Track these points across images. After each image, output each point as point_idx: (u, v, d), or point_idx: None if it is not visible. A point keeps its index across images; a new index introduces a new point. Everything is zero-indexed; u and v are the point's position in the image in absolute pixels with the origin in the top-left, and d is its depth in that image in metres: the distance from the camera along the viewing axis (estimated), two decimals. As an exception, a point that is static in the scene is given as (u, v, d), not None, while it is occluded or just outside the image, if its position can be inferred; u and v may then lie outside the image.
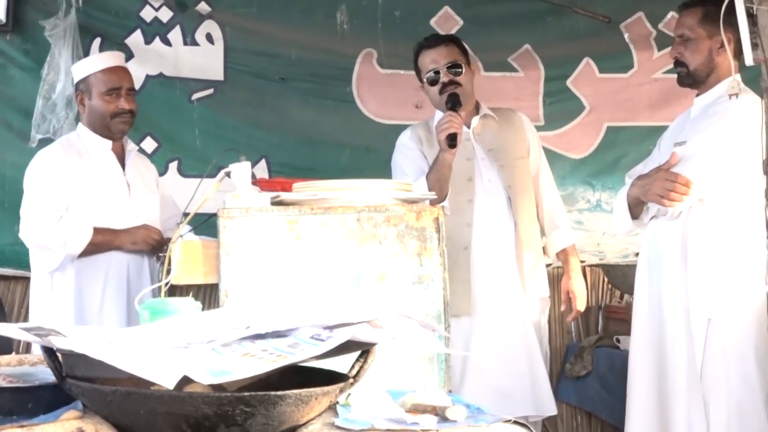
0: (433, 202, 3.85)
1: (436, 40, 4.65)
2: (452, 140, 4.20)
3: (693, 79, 4.13)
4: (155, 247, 4.36)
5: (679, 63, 4.14)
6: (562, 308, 4.88)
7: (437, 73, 4.54)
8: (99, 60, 4.48)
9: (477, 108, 4.70)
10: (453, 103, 4.37)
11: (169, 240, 4.08)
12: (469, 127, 4.59)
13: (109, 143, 4.41)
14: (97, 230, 4.26)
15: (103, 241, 4.27)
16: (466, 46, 4.73)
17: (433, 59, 4.56)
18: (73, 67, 4.53)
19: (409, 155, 4.61)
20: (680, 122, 4.30)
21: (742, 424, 3.90)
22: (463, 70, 4.55)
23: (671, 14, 5.78)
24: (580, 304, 4.72)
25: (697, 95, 4.18)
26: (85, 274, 4.30)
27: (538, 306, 4.66)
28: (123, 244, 4.28)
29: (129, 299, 4.23)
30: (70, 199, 4.26)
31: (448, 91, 4.47)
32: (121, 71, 4.45)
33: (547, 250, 4.82)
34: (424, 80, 4.61)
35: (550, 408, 4.56)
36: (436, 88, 4.55)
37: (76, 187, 4.27)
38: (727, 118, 3.94)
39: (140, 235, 4.31)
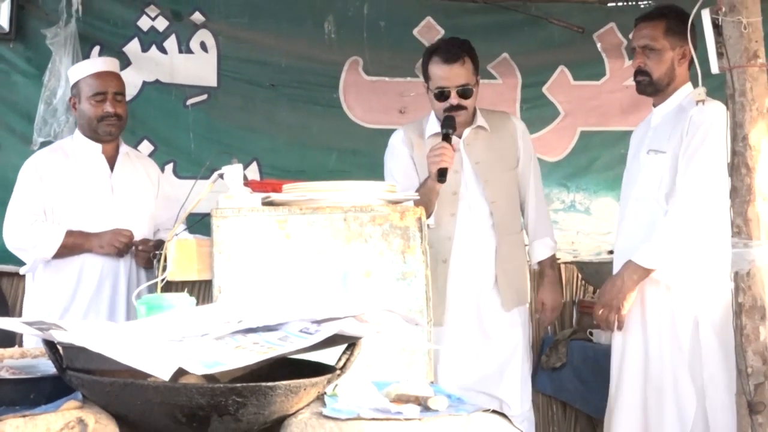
0: None
1: (451, 56, 4.34)
2: (442, 175, 4.07)
3: (654, 88, 4.16)
4: (122, 250, 4.24)
5: (641, 72, 4.15)
6: (537, 316, 4.83)
7: (446, 92, 4.33)
8: (89, 65, 4.44)
9: (473, 118, 4.49)
10: (447, 130, 4.20)
11: (139, 242, 4.07)
12: (460, 137, 4.42)
13: (98, 146, 4.35)
14: (69, 234, 4.21)
15: (74, 245, 4.22)
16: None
17: (445, 77, 4.33)
18: (69, 72, 4.50)
19: (399, 161, 4.47)
20: (642, 131, 4.33)
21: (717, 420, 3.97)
22: (473, 92, 4.37)
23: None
24: (552, 315, 4.68)
25: (655, 104, 4.24)
26: (59, 274, 4.25)
27: (518, 317, 4.52)
28: (92, 247, 4.21)
29: (108, 298, 4.19)
30: (51, 202, 4.22)
31: (452, 113, 4.29)
32: (108, 76, 4.38)
33: (530, 257, 4.73)
34: (431, 90, 4.41)
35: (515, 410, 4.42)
36: (440, 105, 4.35)
37: (58, 190, 4.23)
38: (703, 126, 3.96)
39: (106, 239, 4.21)
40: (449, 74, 4.30)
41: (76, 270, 4.21)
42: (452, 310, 4.36)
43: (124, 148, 4.44)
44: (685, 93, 4.16)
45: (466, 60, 4.34)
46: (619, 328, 4.06)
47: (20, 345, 3.56)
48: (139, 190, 4.40)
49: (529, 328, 4.70)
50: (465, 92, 4.31)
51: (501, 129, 4.54)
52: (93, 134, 4.32)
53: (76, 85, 4.35)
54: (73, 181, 4.25)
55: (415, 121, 4.68)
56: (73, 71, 4.42)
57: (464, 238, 4.38)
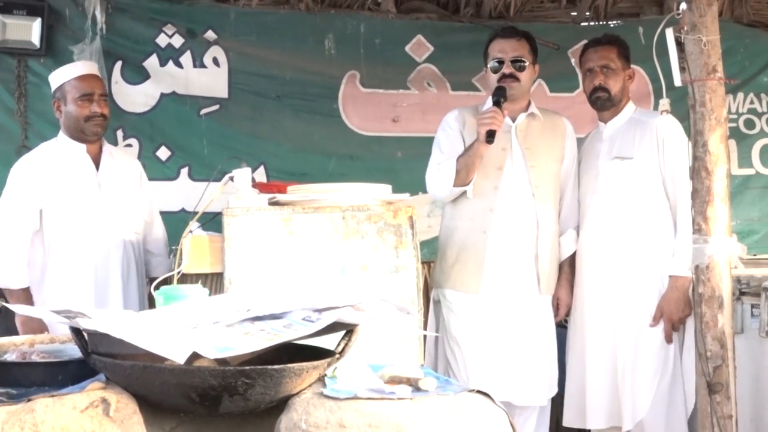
0: (456, 185, 3.98)
1: (510, 32, 4.22)
2: (490, 136, 3.85)
3: (611, 103, 4.24)
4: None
5: (601, 89, 4.21)
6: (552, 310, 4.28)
7: (501, 63, 4.10)
8: (73, 68, 4.29)
9: (528, 105, 4.22)
10: (498, 97, 3.98)
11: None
12: (514, 122, 4.15)
13: (83, 147, 4.22)
14: (18, 295, 4.11)
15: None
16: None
17: (501, 49, 4.14)
18: (50, 77, 4.35)
19: (450, 134, 4.19)
20: (594, 141, 4.38)
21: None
22: (527, 66, 4.12)
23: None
24: (562, 313, 4.26)
25: (605, 119, 4.31)
26: (50, 270, 4.14)
27: (548, 304, 4.21)
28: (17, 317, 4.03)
29: (97, 297, 4.12)
30: (41, 203, 4.10)
31: (505, 83, 4.06)
32: (93, 78, 4.26)
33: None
34: (488, 66, 4.19)
35: (533, 399, 4.11)
36: (495, 77, 4.11)
37: (47, 190, 4.12)
38: (678, 141, 4.07)
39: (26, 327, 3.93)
40: (505, 46, 4.13)
41: (70, 268, 4.12)
42: (488, 280, 4.04)
43: (107, 148, 4.33)
44: (632, 108, 4.31)
45: (523, 39, 4.18)
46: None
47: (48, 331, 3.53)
48: (123, 186, 4.30)
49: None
50: (519, 65, 4.10)
51: (552, 123, 4.29)
52: (79, 135, 4.19)
53: (60, 89, 4.22)
54: (61, 181, 4.15)
55: (472, 105, 4.45)
56: (56, 75, 4.28)
57: (505, 212, 4.07)
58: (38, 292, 4.13)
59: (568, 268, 4.28)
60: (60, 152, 4.20)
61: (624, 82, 4.26)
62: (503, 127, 3.95)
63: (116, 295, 4.13)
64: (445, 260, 4.15)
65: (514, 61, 4.08)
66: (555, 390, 4.22)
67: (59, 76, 4.24)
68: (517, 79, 4.08)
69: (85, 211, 4.12)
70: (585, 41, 5.64)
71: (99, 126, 4.19)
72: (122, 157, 4.44)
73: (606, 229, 4.14)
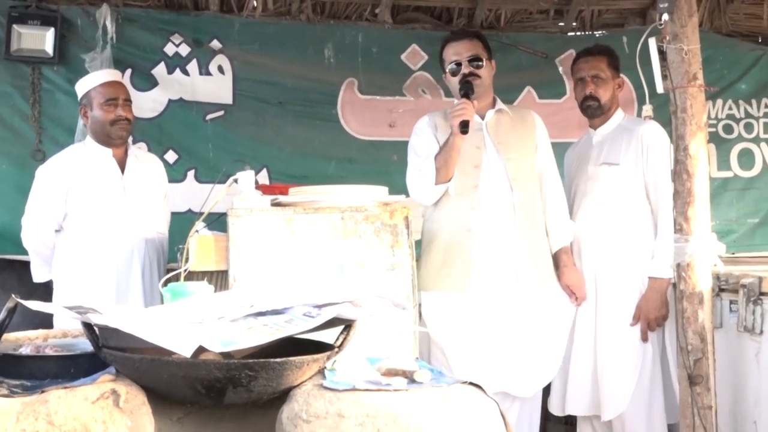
0: (438, 182, 3.84)
1: (461, 34, 4.14)
2: (464, 126, 3.72)
3: (601, 111, 4.24)
4: None
5: (592, 98, 4.21)
6: (572, 300, 4.11)
7: (459, 65, 3.98)
8: (98, 76, 4.30)
9: (494, 103, 4.11)
10: (466, 90, 3.89)
11: None
12: (483, 119, 4.02)
13: (109, 151, 4.21)
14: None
15: None
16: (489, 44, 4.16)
17: (457, 51, 4.01)
18: (77, 85, 4.34)
19: (423, 138, 4.06)
20: (584, 148, 4.39)
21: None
22: (484, 64, 3.99)
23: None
24: (580, 293, 4.09)
25: (595, 126, 4.32)
26: (81, 269, 4.14)
27: (548, 294, 4.03)
28: None
29: (118, 294, 4.12)
30: (67, 204, 4.12)
31: (471, 84, 3.92)
32: (117, 84, 4.27)
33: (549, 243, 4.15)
34: (447, 71, 4.06)
35: (525, 390, 3.99)
36: (456, 79, 3.99)
37: (73, 192, 4.13)
38: (662, 148, 4.07)
39: None
40: (459, 48, 4.01)
41: (94, 267, 4.13)
42: (476, 277, 3.89)
43: (132, 150, 4.34)
44: (621, 115, 4.31)
45: (475, 39, 4.07)
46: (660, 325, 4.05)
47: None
48: (148, 188, 4.30)
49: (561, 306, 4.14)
50: (476, 63, 3.98)
51: (521, 118, 4.16)
52: (105, 138, 4.19)
53: (86, 95, 4.21)
54: (87, 183, 4.15)
55: (440, 110, 4.29)
56: (83, 83, 4.28)
57: (486, 209, 3.93)
58: (62, 289, 4.14)
59: (565, 255, 4.13)
60: (87, 155, 4.21)
61: (613, 91, 4.25)
62: (474, 125, 3.84)
63: (137, 293, 4.13)
64: (431, 263, 3.99)
65: (471, 61, 3.98)
66: (550, 377, 4.13)
67: (85, 84, 4.24)
68: (478, 76, 3.96)
69: (109, 213, 4.13)
70: (572, 50, 5.69)
71: (124, 129, 4.19)
72: (147, 160, 4.43)
73: (594, 231, 4.15)
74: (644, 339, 4.03)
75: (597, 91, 4.20)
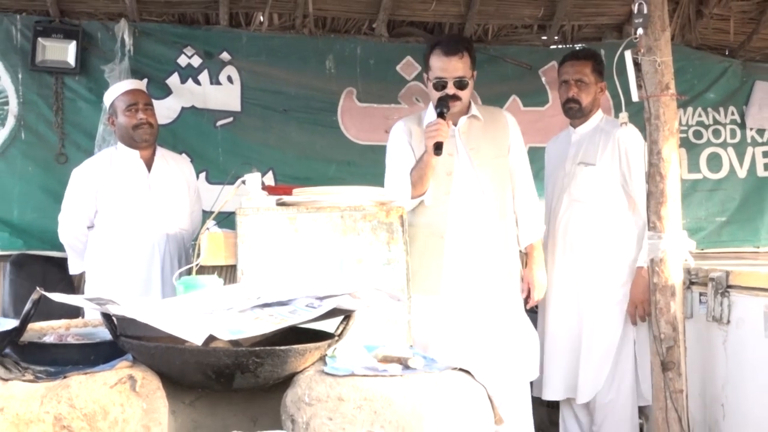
0: (414, 196, 3.73)
1: (452, 49, 3.78)
2: (438, 148, 3.57)
3: (582, 113, 4.21)
4: None
5: (573, 100, 4.19)
6: (523, 296, 3.95)
7: (444, 83, 3.74)
8: (120, 86, 4.30)
9: (468, 108, 3.88)
10: (441, 109, 3.67)
11: None
12: (456, 125, 3.82)
13: (137, 153, 4.20)
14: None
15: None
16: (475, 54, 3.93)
17: (444, 68, 3.75)
18: (104, 97, 4.35)
19: (398, 147, 3.88)
20: (562, 146, 4.36)
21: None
22: (468, 84, 3.78)
23: (577, 63, 5.82)
24: (538, 294, 3.94)
25: (575, 126, 4.29)
26: (110, 264, 4.13)
27: (511, 290, 3.88)
28: None
29: (146, 281, 4.11)
30: (98, 202, 4.13)
31: (447, 102, 3.71)
32: (137, 91, 4.25)
33: (518, 241, 3.98)
34: (430, 81, 3.82)
35: (508, 385, 3.77)
36: (437, 94, 3.76)
37: (104, 191, 4.14)
38: (638, 150, 4.02)
39: None
40: (448, 66, 3.74)
41: (120, 259, 4.13)
42: (447, 280, 3.77)
43: (160, 152, 4.32)
44: (600, 117, 4.27)
45: (465, 55, 3.78)
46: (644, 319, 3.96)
47: (83, 316, 3.53)
48: (174, 186, 4.28)
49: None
50: (461, 84, 3.75)
51: (493, 120, 3.95)
52: (131, 142, 4.18)
53: (112, 105, 4.21)
54: (116, 182, 4.15)
55: (415, 113, 4.14)
56: (108, 94, 4.28)
57: (459, 215, 3.78)
58: (93, 281, 4.14)
59: (535, 252, 3.96)
60: (116, 158, 4.22)
61: (595, 95, 4.22)
62: (448, 134, 3.66)
63: (156, 285, 4.12)
64: (412, 265, 3.76)
65: (456, 82, 3.75)
66: (533, 373, 3.94)
67: (110, 95, 4.26)
68: (459, 99, 3.76)
69: (135, 210, 4.13)
70: (554, 62, 5.70)
71: (146, 133, 4.17)
72: (175, 161, 4.42)
73: (571, 226, 4.15)
74: (633, 322, 4.00)
75: (579, 95, 4.17)
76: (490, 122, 3.92)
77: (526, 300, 3.95)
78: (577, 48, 5.55)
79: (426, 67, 3.88)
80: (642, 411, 4.11)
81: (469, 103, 3.90)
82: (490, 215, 3.82)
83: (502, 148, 3.92)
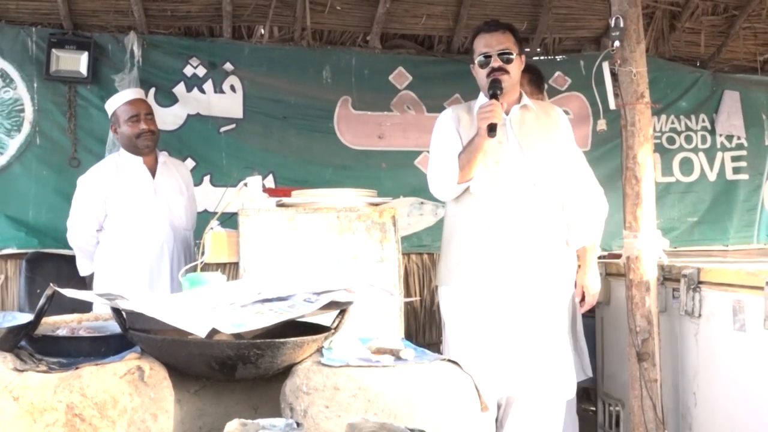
0: (461, 181, 3.38)
1: (494, 26, 3.48)
2: (492, 130, 3.24)
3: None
4: None
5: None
6: (577, 300, 3.56)
7: (488, 57, 3.40)
8: (122, 96, 4.25)
9: (519, 98, 3.53)
10: (495, 90, 3.35)
11: None
12: (507, 115, 3.46)
13: (140, 159, 4.18)
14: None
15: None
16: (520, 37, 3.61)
17: (487, 43, 3.43)
18: (106, 106, 4.31)
19: (446, 133, 3.52)
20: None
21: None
22: (514, 58, 3.42)
23: (557, 73, 5.83)
24: (592, 298, 3.53)
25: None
26: (119, 261, 4.12)
27: (558, 291, 3.47)
28: None
29: (153, 277, 4.10)
30: (106, 206, 4.11)
31: (495, 77, 3.39)
32: (138, 101, 4.21)
33: (569, 243, 3.54)
34: (475, 62, 3.46)
35: (545, 393, 3.40)
36: (484, 72, 3.42)
37: (111, 195, 4.12)
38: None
39: None
40: (490, 41, 3.43)
41: (130, 259, 4.12)
42: (490, 273, 3.39)
43: (162, 158, 4.30)
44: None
45: (507, 31, 3.47)
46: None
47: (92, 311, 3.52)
48: (176, 190, 4.28)
49: (570, 310, 3.59)
50: (507, 58, 3.41)
51: (545, 112, 3.58)
52: (134, 149, 4.17)
53: (114, 114, 4.19)
54: (123, 188, 4.14)
55: (464, 103, 3.72)
56: (110, 103, 4.24)
57: (506, 205, 3.40)
58: (103, 280, 4.12)
59: (587, 254, 3.54)
60: (121, 164, 4.20)
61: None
62: (502, 113, 3.34)
63: (165, 282, 4.11)
64: (450, 257, 3.51)
65: (501, 54, 3.41)
66: (572, 385, 3.48)
67: (111, 104, 4.22)
68: (507, 72, 3.41)
69: (143, 213, 4.12)
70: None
71: (149, 140, 4.16)
72: (175, 165, 4.41)
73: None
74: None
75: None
76: (542, 114, 3.56)
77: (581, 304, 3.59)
78: (557, 58, 5.57)
79: (472, 57, 3.53)
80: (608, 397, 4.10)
81: (521, 93, 3.57)
82: (540, 208, 3.43)
83: (555, 141, 3.53)
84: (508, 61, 3.42)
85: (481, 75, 3.47)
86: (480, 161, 3.36)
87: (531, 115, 3.52)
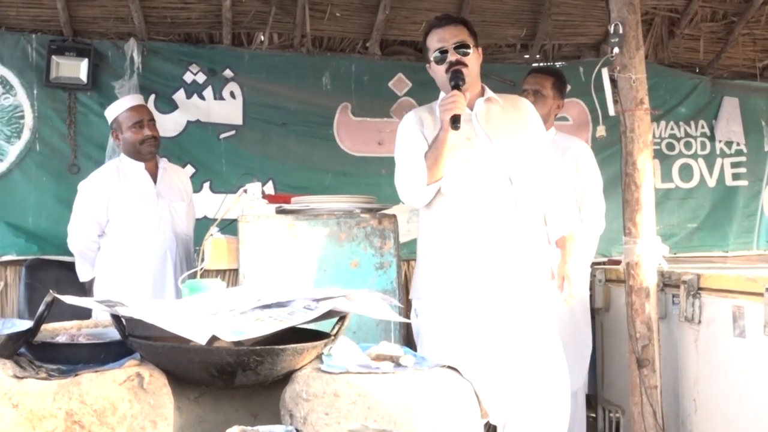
0: (430, 182, 3.13)
1: (445, 20, 3.29)
2: (455, 121, 3.03)
3: None
4: None
5: None
6: (559, 292, 3.22)
7: (444, 52, 3.20)
8: (123, 102, 4.27)
9: (483, 91, 3.31)
10: (457, 81, 3.14)
11: None
12: (472, 110, 3.24)
13: (141, 164, 4.20)
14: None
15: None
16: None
17: (441, 38, 3.22)
18: (106, 112, 4.32)
19: (410, 136, 3.28)
20: None
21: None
22: (471, 51, 3.21)
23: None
24: (574, 289, 3.21)
25: None
26: (121, 268, 4.11)
27: (544, 288, 3.23)
28: None
29: (157, 283, 4.10)
30: (109, 211, 4.12)
31: (461, 74, 3.16)
32: (141, 108, 4.24)
33: (548, 236, 3.32)
34: (431, 60, 3.26)
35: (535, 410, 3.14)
36: (442, 68, 3.21)
37: (113, 201, 4.12)
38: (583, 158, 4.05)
39: None
40: (444, 35, 3.23)
41: (134, 264, 4.12)
42: (468, 281, 3.12)
43: (162, 163, 4.31)
44: (553, 132, 4.11)
45: (460, 24, 3.29)
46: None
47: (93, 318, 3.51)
48: (178, 196, 4.29)
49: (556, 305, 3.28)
50: (463, 49, 3.20)
51: (513, 105, 3.36)
52: (137, 155, 4.18)
53: (115, 120, 4.20)
54: (125, 193, 4.14)
55: (425, 105, 3.47)
56: (111, 110, 4.25)
57: (481, 205, 3.15)
58: (104, 285, 4.12)
59: (567, 243, 3.25)
60: (123, 170, 4.21)
61: (551, 110, 4.07)
62: (463, 116, 3.11)
63: (170, 287, 4.11)
64: (427, 267, 3.24)
65: (457, 48, 3.20)
66: (565, 389, 3.22)
67: (113, 111, 4.23)
68: (465, 65, 3.19)
69: (146, 218, 4.13)
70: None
71: (152, 146, 4.19)
72: (175, 171, 4.42)
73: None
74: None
75: (534, 104, 3.55)
76: (509, 107, 3.35)
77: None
78: (556, 64, 5.58)
79: (426, 54, 3.34)
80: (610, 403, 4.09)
81: (483, 87, 3.35)
82: (519, 204, 3.19)
83: (526, 132, 3.31)
84: (466, 54, 3.22)
85: (439, 72, 3.26)
86: (448, 159, 3.13)
87: (497, 107, 3.31)
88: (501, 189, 3.17)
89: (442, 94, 3.28)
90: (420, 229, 3.32)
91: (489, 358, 3.08)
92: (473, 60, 3.24)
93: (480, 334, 3.11)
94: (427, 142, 3.19)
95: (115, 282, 4.09)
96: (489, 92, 3.32)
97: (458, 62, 3.18)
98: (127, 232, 4.12)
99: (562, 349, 3.27)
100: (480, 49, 3.31)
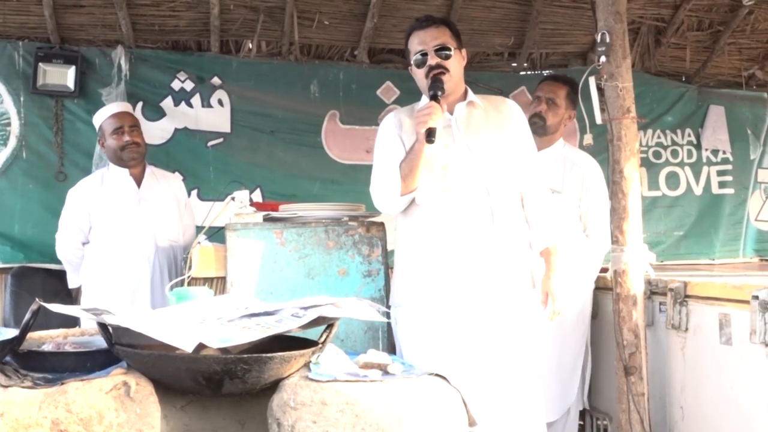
0: (404, 193, 3.01)
1: (426, 22, 3.14)
2: (430, 135, 2.87)
3: (544, 131, 3.98)
4: None
5: (539, 116, 3.99)
6: (543, 308, 3.11)
7: (425, 55, 3.07)
8: (107, 110, 4.27)
9: (465, 95, 3.17)
10: (435, 91, 3.00)
11: None
12: (452, 114, 3.11)
13: (126, 171, 4.18)
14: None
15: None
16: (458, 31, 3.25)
17: (422, 41, 3.09)
18: (93, 120, 4.32)
19: (387, 140, 3.16)
20: None
21: None
22: (452, 54, 3.08)
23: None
24: (558, 306, 3.11)
25: (539, 148, 3.60)
26: (104, 277, 4.10)
27: (523, 299, 3.11)
28: None
29: (133, 294, 4.07)
30: (92, 218, 4.11)
31: (435, 75, 3.04)
32: (123, 114, 4.22)
33: (531, 246, 3.20)
34: (411, 62, 3.15)
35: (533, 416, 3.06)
36: (422, 71, 3.09)
37: (97, 207, 4.11)
38: (590, 174, 3.98)
39: None
40: (425, 37, 3.09)
41: (113, 270, 4.10)
42: (444, 292, 3.01)
43: (149, 169, 4.30)
44: (562, 144, 4.08)
45: (442, 26, 3.14)
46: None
47: (79, 326, 3.49)
48: (163, 201, 4.25)
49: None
50: (444, 52, 3.07)
51: (495, 108, 3.20)
52: (120, 161, 4.17)
53: (100, 128, 4.21)
54: (108, 199, 4.13)
55: (408, 105, 3.35)
56: (96, 117, 4.26)
57: (457, 216, 3.03)
58: (89, 293, 4.11)
59: (551, 257, 3.16)
60: (108, 177, 4.21)
61: (562, 119, 4.05)
62: (443, 121, 2.98)
63: (145, 295, 4.07)
64: (403, 276, 3.13)
65: (438, 50, 3.07)
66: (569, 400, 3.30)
67: (98, 118, 4.24)
68: (446, 69, 3.06)
69: (126, 223, 4.11)
70: (523, 87, 5.76)
71: (133, 152, 4.16)
72: (165, 178, 4.38)
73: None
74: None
75: (546, 113, 3.95)
76: (492, 111, 3.20)
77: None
78: (543, 73, 5.60)
79: (408, 58, 3.22)
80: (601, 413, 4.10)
81: (466, 89, 3.21)
82: (496, 216, 3.06)
83: (508, 140, 3.16)
84: (447, 57, 3.08)
85: (419, 76, 3.14)
86: (423, 169, 3.00)
87: (479, 112, 3.16)
88: (477, 200, 3.06)
89: (423, 98, 3.19)
90: (397, 237, 3.23)
91: (464, 366, 2.95)
92: (455, 63, 3.11)
93: (455, 343, 3.00)
94: (405, 147, 3.07)
95: (97, 288, 4.07)
96: (471, 95, 3.20)
97: (438, 66, 3.06)
98: (107, 238, 4.11)
99: (537, 359, 3.17)
100: (464, 51, 3.19)
